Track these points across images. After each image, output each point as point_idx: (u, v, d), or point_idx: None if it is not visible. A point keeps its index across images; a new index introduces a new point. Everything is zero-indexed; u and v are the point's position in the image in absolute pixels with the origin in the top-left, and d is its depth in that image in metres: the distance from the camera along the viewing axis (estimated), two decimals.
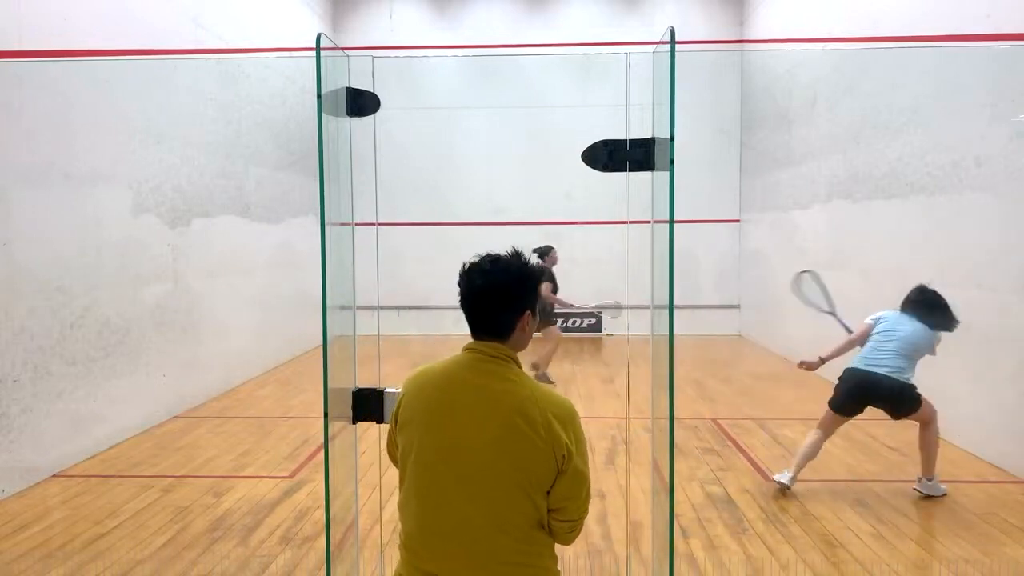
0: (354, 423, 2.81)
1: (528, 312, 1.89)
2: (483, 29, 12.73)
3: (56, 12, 5.67)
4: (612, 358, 10.81)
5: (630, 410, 7.77)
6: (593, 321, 12.76)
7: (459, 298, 1.88)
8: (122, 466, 5.73)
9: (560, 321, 12.71)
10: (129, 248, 6.51)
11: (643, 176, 2.71)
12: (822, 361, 5.11)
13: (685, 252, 11.60)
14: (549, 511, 1.83)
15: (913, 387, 4.88)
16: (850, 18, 8.54)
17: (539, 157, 12.04)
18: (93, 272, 5.97)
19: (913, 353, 4.94)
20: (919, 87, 6.86)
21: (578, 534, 1.91)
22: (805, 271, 5.69)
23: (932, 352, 4.99)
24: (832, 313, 5.34)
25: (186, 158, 7.53)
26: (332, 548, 2.70)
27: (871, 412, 7.25)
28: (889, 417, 5.05)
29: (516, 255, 1.89)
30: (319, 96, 2.52)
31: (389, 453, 2.04)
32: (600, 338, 12.64)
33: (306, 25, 11.27)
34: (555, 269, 8.81)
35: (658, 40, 2.48)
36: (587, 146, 2.69)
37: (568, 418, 1.81)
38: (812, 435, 5.08)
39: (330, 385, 2.61)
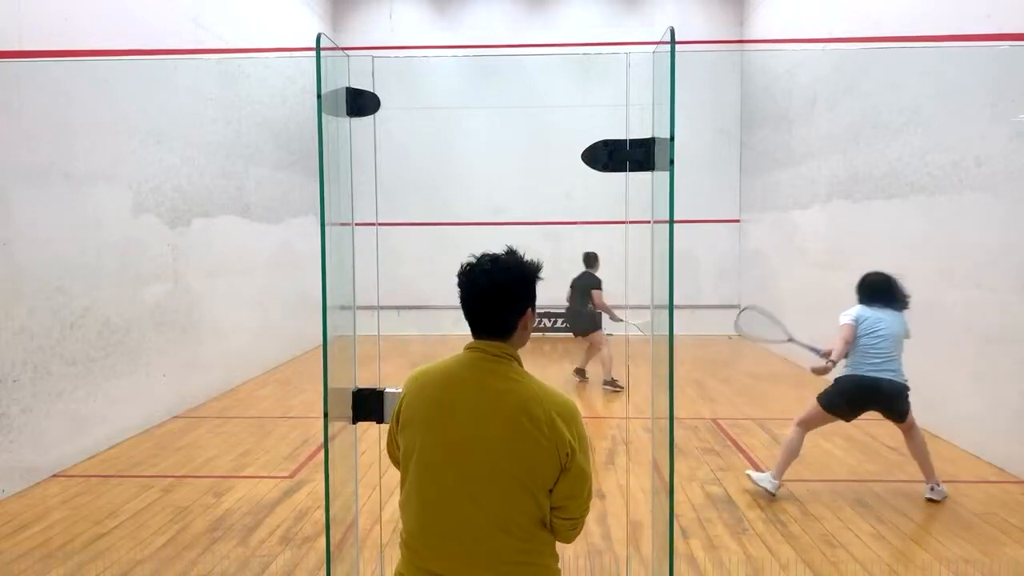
0: (354, 423, 2.81)
1: (529, 310, 1.90)
2: (483, 29, 12.73)
3: (56, 12, 5.67)
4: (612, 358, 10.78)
5: (630, 410, 7.77)
6: None
7: (459, 298, 1.88)
8: (122, 466, 5.73)
9: (560, 321, 12.71)
10: (129, 248, 6.51)
11: (643, 176, 2.71)
12: (834, 363, 5.03)
13: (685, 252, 11.61)
14: (551, 509, 1.83)
15: (908, 387, 4.88)
16: (850, 18, 8.54)
17: (539, 157, 12.04)
18: (93, 272, 5.97)
19: (902, 346, 4.92)
20: (919, 87, 6.86)
21: (579, 532, 1.92)
22: (745, 308, 5.49)
23: (908, 335, 4.97)
24: (791, 340, 5.20)
25: (186, 158, 7.53)
26: (332, 548, 2.70)
27: (871, 412, 7.25)
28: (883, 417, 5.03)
29: (513, 254, 1.89)
30: (319, 96, 2.52)
31: (389, 453, 2.03)
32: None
33: (306, 25, 11.27)
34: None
35: (658, 40, 2.48)
36: (587, 146, 2.69)
37: (571, 416, 1.81)
38: (795, 432, 4.99)
39: (330, 385, 2.61)
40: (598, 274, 8.60)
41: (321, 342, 2.62)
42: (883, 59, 7.66)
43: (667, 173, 2.45)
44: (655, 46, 2.53)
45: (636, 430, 6.84)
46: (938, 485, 4.93)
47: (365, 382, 2.85)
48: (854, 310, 5.02)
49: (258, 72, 9.57)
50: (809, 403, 5.05)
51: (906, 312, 5.00)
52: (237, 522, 4.60)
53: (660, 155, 2.58)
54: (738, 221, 12.79)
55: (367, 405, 2.76)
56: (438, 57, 12.82)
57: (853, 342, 4.95)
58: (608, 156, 2.68)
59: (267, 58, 9.90)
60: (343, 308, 2.88)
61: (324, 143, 2.56)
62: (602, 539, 4.34)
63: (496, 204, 11.95)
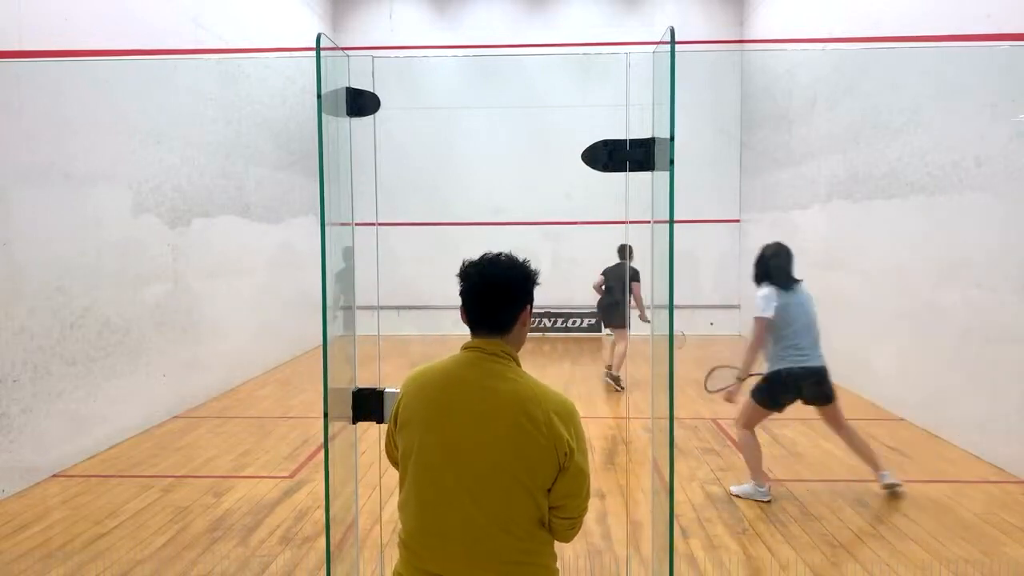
0: (354, 423, 2.81)
1: (527, 308, 1.92)
2: (483, 29, 12.73)
3: (56, 12, 5.67)
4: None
5: (630, 410, 7.77)
6: (593, 321, 12.75)
7: (461, 294, 1.89)
8: (122, 466, 5.73)
9: (560, 321, 12.72)
10: (129, 248, 6.51)
11: (643, 176, 2.71)
12: (742, 381, 4.92)
13: (685, 252, 11.60)
14: (550, 509, 1.83)
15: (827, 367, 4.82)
16: (850, 18, 8.54)
17: (539, 157, 12.04)
18: (93, 272, 5.97)
19: (817, 326, 4.86)
20: (919, 87, 6.86)
21: (578, 531, 1.92)
22: (714, 368, 5.23)
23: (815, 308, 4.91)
24: (750, 375, 5.00)
25: (186, 158, 7.53)
26: (332, 548, 2.70)
27: (872, 412, 7.26)
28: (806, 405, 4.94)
29: (511, 256, 1.93)
30: (319, 96, 2.52)
31: (388, 454, 2.04)
32: (600, 338, 12.63)
33: (306, 25, 11.27)
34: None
35: (658, 40, 2.48)
36: (587, 146, 2.69)
37: (569, 416, 1.81)
38: (744, 435, 4.92)
39: (330, 385, 2.61)
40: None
41: (321, 342, 2.62)
42: (883, 59, 7.66)
43: (667, 173, 2.45)
44: (655, 46, 2.53)
45: (636, 430, 6.84)
46: (886, 472, 4.90)
47: (365, 382, 2.85)
48: (767, 296, 4.81)
49: (258, 72, 9.57)
50: (743, 402, 4.99)
51: (804, 282, 4.92)
52: (237, 522, 4.60)
53: (660, 155, 2.58)
54: (738, 221, 12.79)
55: (367, 405, 2.76)
56: (438, 57, 12.82)
57: (766, 337, 4.79)
58: (608, 156, 2.68)
59: (267, 58, 9.90)
60: (343, 308, 2.88)
61: (324, 143, 2.56)
62: (602, 539, 4.34)
63: (496, 204, 11.95)
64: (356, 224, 2.97)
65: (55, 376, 5.51)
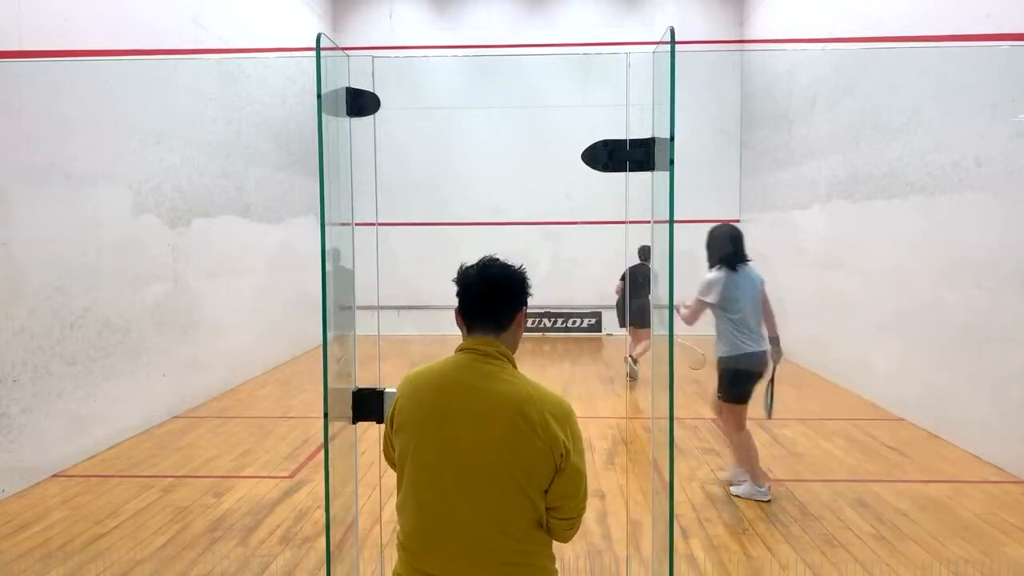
0: (354, 423, 2.81)
1: (523, 309, 1.95)
2: (483, 29, 12.73)
3: (56, 12, 5.67)
4: (612, 358, 10.81)
5: (630, 410, 7.77)
6: (593, 321, 12.75)
7: (458, 295, 1.92)
8: (122, 466, 5.73)
9: (560, 321, 12.71)
10: (129, 248, 6.51)
11: (643, 176, 2.71)
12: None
13: (685, 252, 11.57)
14: (547, 509, 1.83)
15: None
16: (850, 18, 8.54)
17: (539, 157, 12.04)
18: (93, 272, 5.97)
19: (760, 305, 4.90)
20: (919, 87, 6.86)
21: (576, 531, 1.93)
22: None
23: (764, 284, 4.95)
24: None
25: (186, 158, 7.53)
26: (332, 548, 2.70)
27: (872, 412, 7.26)
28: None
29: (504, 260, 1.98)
30: (319, 96, 2.52)
31: (385, 455, 2.04)
32: (600, 338, 12.64)
33: (306, 25, 11.27)
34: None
35: (658, 40, 2.48)
36: (587, 146, 2.69)
37: (565, 417, 1.82)
38: (738, 436, 4.90)
39: (330, 385, 2.61)
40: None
41: (321, 342, 2.62)
42: (883, 59, 7.66)
43: (667, 173, 2.45)
44: (655, 46, 2.53)
45: (636, 430, 6.84)
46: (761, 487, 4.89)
47: (365, 382, 2.85)
48: (714, 285, 4.85)
49: (258, 72, 9.57)
50: (722, 408, 4.98)
51: (753, 262, 4.94)
52: (237, 522, 4.60)
53: (660, 155, 2.58)
54: (738, 221, 12.78)
55: (367, 405, 2.76)
56: (438, 57, 12.82)
57: (700, 313, 4.86)
58: (608, 156, 2.68)
59: (267, 58, 9.90)
60: (343, 308, 2.88)
61: (324, 143, 2.56)
62: (602, 539, 4.34)
63: (496, 204, 11.95)
64: (356, 224, 2.96)
65: (55, 376, 5.51)
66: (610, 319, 12.59)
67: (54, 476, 5.43)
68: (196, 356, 7.64)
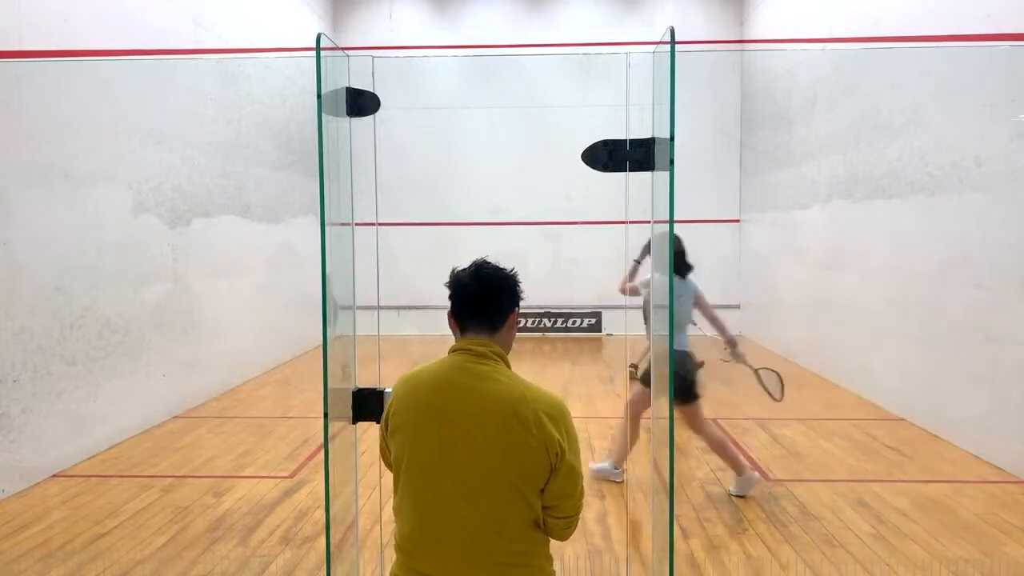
0: (354, 423, 2.81)
1: (515, 310, 1.97)
2: (483, 29, 12.72)
3: (56, 12, 5.67)
4: (612, 358, 10.81)
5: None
6: (593, 321, 12.75)
7: (451, 297, 1.95)
8: (122, 466, 5.73)
9: (560, 321, 12.71)
10: (129, 248, 6.51)
11: (643, 176, 2.71)
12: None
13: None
14: (544, 509, 1.84)
15: None
16: (850, 18, 8.54)
17: (539, 157, 12.04)
18: (93, 272, 5.97)
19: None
20: (919, 87, 6.86)
21: (574, 530, 1.93)
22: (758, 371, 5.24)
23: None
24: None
25: (186, 158, 7.53)
26: (332, 548, 2.70)
27: (872, 412, 7.26)
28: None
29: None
30: (319, 96, 2.52)
31: (383, 458, 2.05)
32: (600, 338, 12.64)
33: (306, 25, 11.27)
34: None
35: (658, 40, 2.48)
36: (587, 146, 2.69)
37: (559, 415, 1.82)
38: (713, 434, 5.02)
39: (330, 385, 2.61)
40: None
41: (321, 342, 2.62)
42: (883, 59, 7.66)
43: (667, 173, 2.45)
44: (655, 46, 2.53)
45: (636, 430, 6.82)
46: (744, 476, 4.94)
47: (365, 382, 2.85)
48: (647, 279, 4.94)
49: (258, 72, 9.57)
50: (685, 415, 4.99)
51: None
52: (237, 522, 4.60)
53: (660, 155, 2.58)
54: (738, 221, 12.79)
55: (367, 405, 2.76)
56: (438, 57, 12.82)
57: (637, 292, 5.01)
58: (608, 156, 2.68)
59: (267, 58, 9.90)
60: (343, 308, 2.88)
61: (324, 143, 2.56)
62: (602, 539, 4.34)
63: (496, 204, 11.95)
64: (356, 224, 2.96)
65: (55, 376, 5.51)
66: (610, 319, 12.61)
67: (54, 476, 5.43)
68: (196, 356, 7.64)
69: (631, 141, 2.67)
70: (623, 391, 8.41)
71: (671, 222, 2.45)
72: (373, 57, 2.97)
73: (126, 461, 5.84)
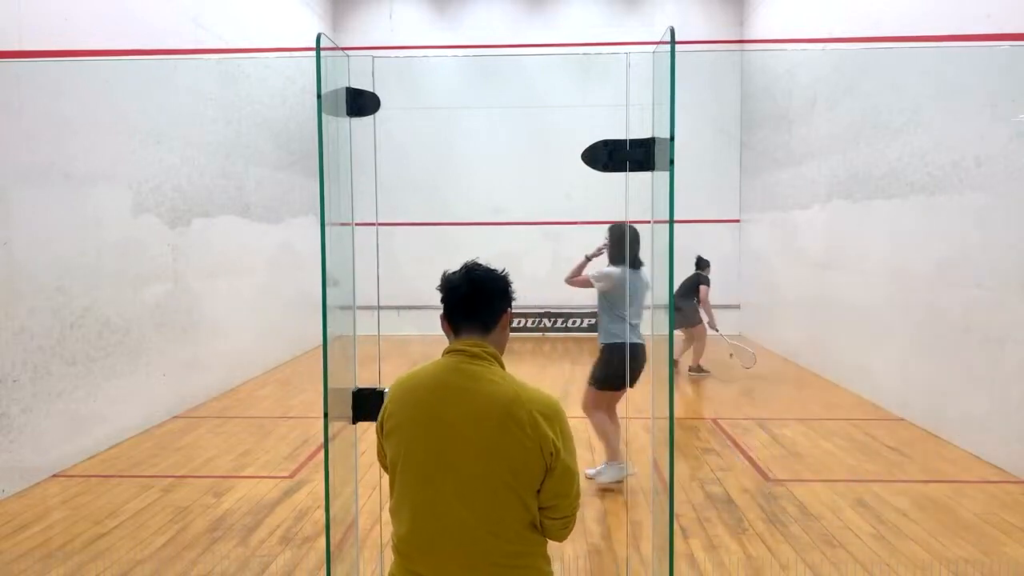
0: (354, 423, 2.81)
1: (508, 311, 1.98)
2: (483, 29, 12.72)
3: (56, 12, 5.67)
4: None
5: (630, 410, 7.76)
6: (593, 321, 12.75)
7: (445, 297, 1.97)
8: (122, 466, 5.73)
9: (560, 321, 12.72)
10: (129, 248, 6.51)
11: (643, 176, 2.71)
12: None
13: (685, 252, 11.60)
14: (540, 509, 1.84)
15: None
16: (850, 18, 8.54)
17: (539, 157, 12.04)
18: (93, 272, 5.97)
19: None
20: (919, 87, 6.86)
21: (571, 530, 1.93)
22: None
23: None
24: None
25: (186, 158, 7.53)
26: (332, 548, 2.71)
27: (872, 412, 7.26)
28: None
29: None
30: (319, 96, 2.52)
31: (379, 460, 2.05)
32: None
33: (306, 25, 11.27)
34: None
35: (658, 40, 2.48)
36: (587, 146, 2.69)
37: (554, 415, 1.82)
38: (604, 418, 5.11)
39: (330, 385, 2.61)
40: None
41: (321, 342, 2.62)
42: (883, 59, 7.66)
43: (667, 173, 2.45)
44: (655, 46, 2.53)
45: (636, 430, 6.84)
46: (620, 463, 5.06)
47: (365, 382, 2.85)
48: (617, 279, 5.04)
49: (258, 72, 9.57)
50: (588, 392, 5.19)
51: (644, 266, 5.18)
52: (237, 522, 4.60)
53: (660, 155, 2.58)
54: (738, 221, 12.79)
55: (367, 405, 2.76)
56: (438, 57, 12.81)
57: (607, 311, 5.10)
58: (608, 156, 2.68)
59: (267, 58, 9.89)
60: (343, 308, 2.88)
61: (324, 143, 2.56)
62: (602, 539, 4.34)
63: (496, 204, 11.95)
64: (356, 224, 2.97)
65: (55, 376, 5.51)
66: None
67: (54, 476, 5.43)
68: (196, 356, 7.64)
69: (631, 141, 2.67)
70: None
71: (671, 222, 2.45)
72: (373, 57, 2.97)
73: (126, 461, 5.84)
